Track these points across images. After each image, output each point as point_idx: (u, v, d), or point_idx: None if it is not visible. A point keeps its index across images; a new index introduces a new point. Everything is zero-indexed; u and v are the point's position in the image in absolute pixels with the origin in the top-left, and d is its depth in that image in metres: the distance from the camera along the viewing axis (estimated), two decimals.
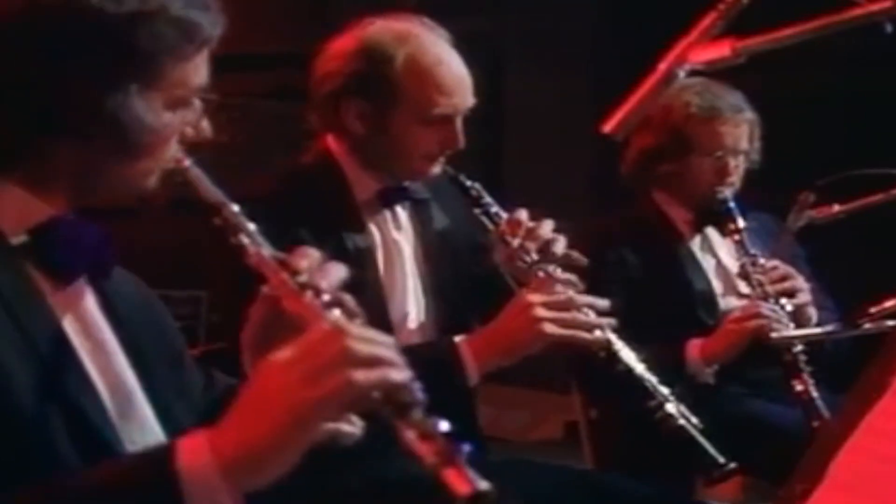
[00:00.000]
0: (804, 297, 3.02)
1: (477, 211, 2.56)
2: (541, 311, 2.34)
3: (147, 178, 1.62)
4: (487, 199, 2.57)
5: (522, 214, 2.51)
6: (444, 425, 1.34)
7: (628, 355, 2.46)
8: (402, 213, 2.61)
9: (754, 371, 3.10)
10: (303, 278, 1.51)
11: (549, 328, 2.34)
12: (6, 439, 1.44)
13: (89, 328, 1.61)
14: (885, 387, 1.58)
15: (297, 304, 1.49)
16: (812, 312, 3.04)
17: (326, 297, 1.48)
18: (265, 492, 1.38)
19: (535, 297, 2.35)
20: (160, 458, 1.37)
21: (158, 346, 1.71)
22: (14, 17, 1.51)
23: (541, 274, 2.42)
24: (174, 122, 1.60)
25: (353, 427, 1.53)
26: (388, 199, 2.56)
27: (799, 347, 2.92)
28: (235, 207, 1.61)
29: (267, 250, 1.57)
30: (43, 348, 1.51)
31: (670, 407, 2.48)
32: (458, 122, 2.50)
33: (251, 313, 1.61)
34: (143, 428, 1.62)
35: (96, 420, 1.53)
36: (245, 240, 1.58)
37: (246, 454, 1.35)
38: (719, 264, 3.24)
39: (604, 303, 2.42)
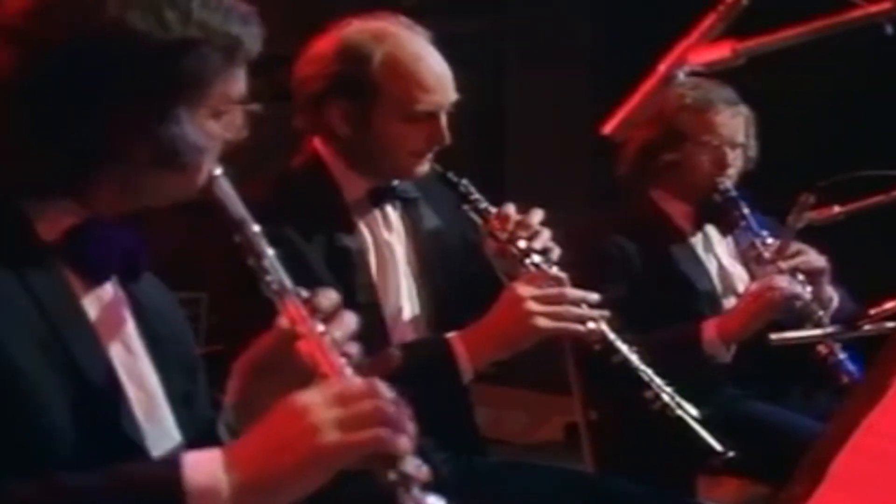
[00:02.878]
0: (820, 263, 3.00)
1: (466, 207, 2.55)
2: (532, 305, 2.33)
3: (193, 186, 1.63)
4: (476, 195, 2.56)
5: (510, 209, 2.50)
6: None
7: (623, 347, 2.46)
8: (392, 213, 2.60)
9: (754, 372, 3.10)
10: (320, 326, 1.53)
11: (542, 322, 2.33)
12: (32, 439, 1.45)
13: (119, 330, 1.62)
14: (885, 387, 1.58)
15: (318, 351, 1.51)
16: (832, 292, 3.02)
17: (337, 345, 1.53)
18: None
19: (525, 291, 2.35)
20: (170, 471, 1.40)
21: (178, 351, 1.72)
22: (62, 49, 1.50)
23: (532, 268, 2.42)
24: (218, 131, 1.62)
25: None
26: (377, 199, 2.56)
27: (821, 313, 2.92)
28: (257, 227, 1.61)
29: (287, 281, 1.58)
30: (74, 348, 1.51)
31: (667, 397, 2.48)
32: (443, 119, 2.49)
33: (259, 341, 1.60)
34: (167, 432, 1.63)
35: (124, 421, 1.55)
36: (266, 264, 1.59)
37: (264, 481, 1.39)
38: (721, 265, 3.24)
39: (595, 296, 2.41)
